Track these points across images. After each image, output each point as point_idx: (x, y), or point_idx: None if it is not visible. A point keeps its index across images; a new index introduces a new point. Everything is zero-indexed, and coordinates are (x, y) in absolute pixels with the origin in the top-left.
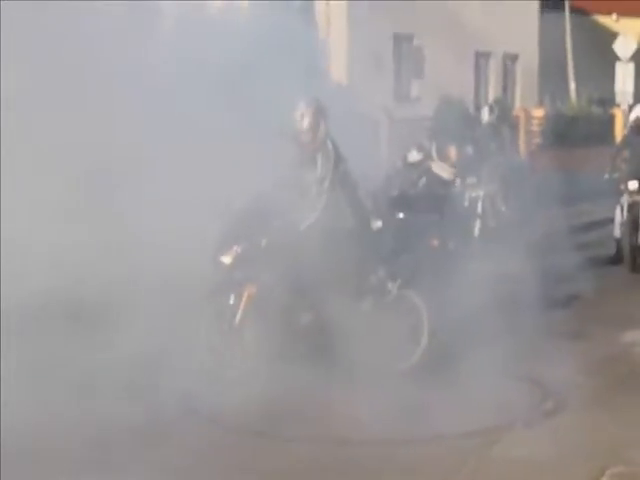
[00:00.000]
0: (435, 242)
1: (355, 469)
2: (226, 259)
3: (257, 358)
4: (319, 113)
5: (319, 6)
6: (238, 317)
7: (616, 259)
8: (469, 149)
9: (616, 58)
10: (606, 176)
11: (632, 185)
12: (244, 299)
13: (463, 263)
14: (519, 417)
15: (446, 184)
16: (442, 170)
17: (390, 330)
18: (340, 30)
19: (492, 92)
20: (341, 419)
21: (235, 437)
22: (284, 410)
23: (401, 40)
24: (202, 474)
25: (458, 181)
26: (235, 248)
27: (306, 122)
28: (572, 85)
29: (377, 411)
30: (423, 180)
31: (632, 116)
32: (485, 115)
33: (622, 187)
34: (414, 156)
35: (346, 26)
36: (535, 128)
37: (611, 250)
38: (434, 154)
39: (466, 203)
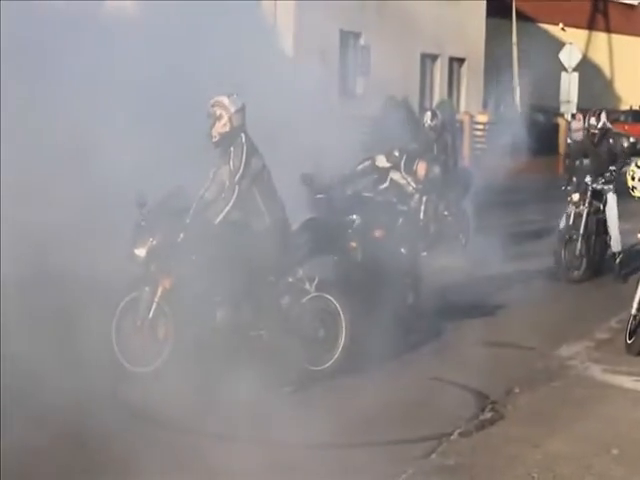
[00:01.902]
0: (353, 244)
1: (284, 472)
2: (141, 252)
3: (171, 354)
4: (235, 107)
5: None
6: (152, 311)
7: (556, 270)
8: (437, 173)
9: (561, 67)
10: (563, 188)
11: (575, 196)
12: (158, 293)
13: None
14: (455, 427)
15: (405, 196)
16: (404, 183)
17: (307, 331)
18: (287, 24)
19: (437, 94)
20: (265, 420)
21: (140, 434)
22: (196, 407)
23: (348, 37)
24: (98, 470)
25: (417, 197)
26: (150, 241)
27: (223, 116)
28: (517, 91)
29: (307, 414)
30: (384, 185)
31: (582, 125)
32: (427, 119)
33: (568, 198)
34: (382, 162)
35: (292, 20)
36: (479, 133)
37: (551, 261)
38: (402, 167)
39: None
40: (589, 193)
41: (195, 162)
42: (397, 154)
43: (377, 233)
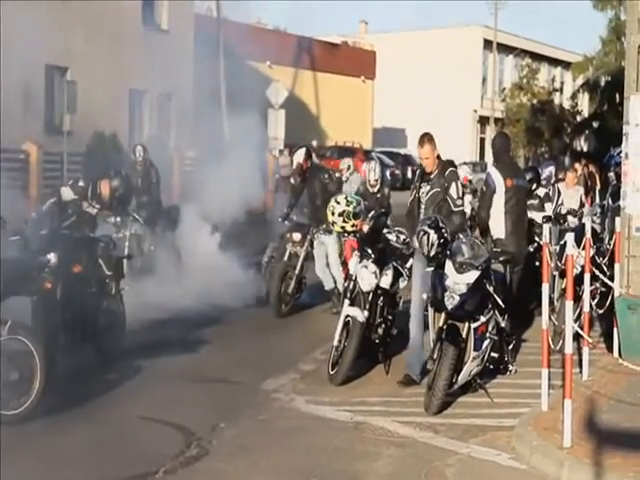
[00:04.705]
0: (48, 284)
1: None
2: None
3: None
4: None
5: None
6: None
7: (263, 301)
8: (118, 185)
9: (269, 104)
10: (280, 220)
11: (296, 236)
12: None
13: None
14: (161, 465)
15: (94, 223)
16: (91, 210)
17: None
18: None
19: (147, 130)
20: None
21: None
22: None
23: (54, 72)
24: None
25: (111, 219)
26: None
27: None
28: (226, 127)
29: None
30: (73, 219)
31: (295, 161)
32: (139, 153)
33: (288, 235)
34: (69, 194)
35: None
36: (189, 168)
37: (261, 292)
38: (89, 195)
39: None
40: (309, 237)
41: None
42: (82, 184)
43: (75, 268)
